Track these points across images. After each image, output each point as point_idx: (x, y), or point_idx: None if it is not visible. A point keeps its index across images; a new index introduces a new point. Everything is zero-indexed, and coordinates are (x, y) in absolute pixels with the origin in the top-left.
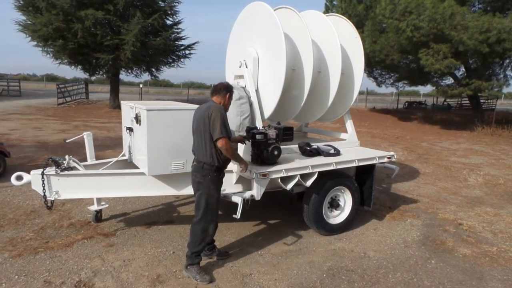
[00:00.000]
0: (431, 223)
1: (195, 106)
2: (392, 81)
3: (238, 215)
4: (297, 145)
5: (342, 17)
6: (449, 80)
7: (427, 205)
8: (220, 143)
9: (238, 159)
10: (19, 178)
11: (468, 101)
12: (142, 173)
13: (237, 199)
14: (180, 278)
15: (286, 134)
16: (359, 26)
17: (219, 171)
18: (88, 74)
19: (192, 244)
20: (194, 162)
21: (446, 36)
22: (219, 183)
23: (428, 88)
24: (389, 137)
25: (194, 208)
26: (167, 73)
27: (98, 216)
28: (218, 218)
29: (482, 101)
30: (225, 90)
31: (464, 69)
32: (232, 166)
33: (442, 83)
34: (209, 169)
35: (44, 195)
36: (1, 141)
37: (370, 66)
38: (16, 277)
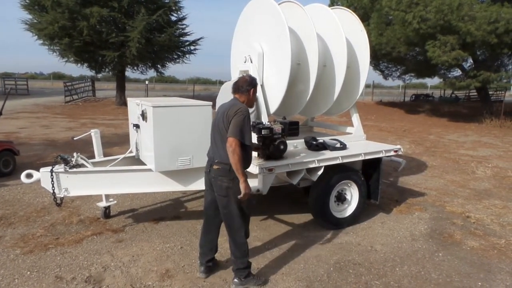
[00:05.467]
0: (438, 216)
1: (201, 102)
2: (398, 73)
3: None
4: (303, 140)
5: (347, 10)
6: (457, 72)
7: (435, 198)
8: (228, 142)
9: (240, 172)
10: (29, 176)
11: (476, 93)
12: (149, 170)
13: None
14: (189, 273)
15: (292, 128)
16: (365, 18)
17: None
18: (94, 71)
19: (239, 260)
20: (215, 165)
21: (454, 28)
22: None
23: (436, 81)
24: (396, 130)
25: (224, 222)
26: (173, 69)
27: (106, 213)
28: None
29: (490, 92)
30: (248, 86)
31: (472, 61)
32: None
33: (449, 75)
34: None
35: (54, 192)
36: (11, 140)
37: (377, 59)
38: (28, 273)
